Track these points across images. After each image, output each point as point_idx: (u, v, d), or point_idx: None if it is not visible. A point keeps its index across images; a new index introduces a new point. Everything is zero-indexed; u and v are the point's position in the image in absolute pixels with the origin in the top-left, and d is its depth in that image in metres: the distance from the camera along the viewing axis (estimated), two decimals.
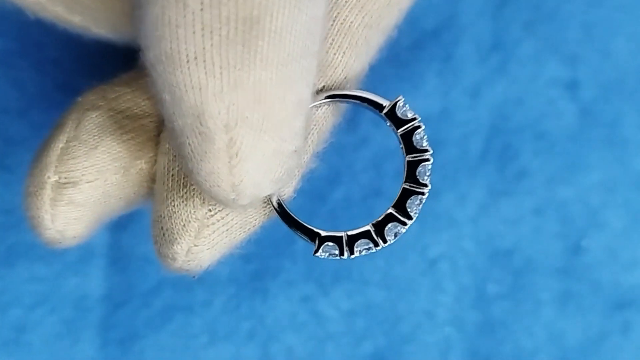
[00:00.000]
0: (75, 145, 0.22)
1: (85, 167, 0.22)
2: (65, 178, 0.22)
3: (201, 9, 0.18)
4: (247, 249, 0.24)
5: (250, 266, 0.31)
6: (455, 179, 0.31)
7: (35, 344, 0.31)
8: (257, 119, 0.19)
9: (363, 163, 0.31)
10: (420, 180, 0.24)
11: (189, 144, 0.19)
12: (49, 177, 0.22)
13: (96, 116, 0.23)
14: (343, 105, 0.25)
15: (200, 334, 0.31)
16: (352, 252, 0.23)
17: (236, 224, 0.23)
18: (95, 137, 0.23)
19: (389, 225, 0.24)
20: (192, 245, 0.22)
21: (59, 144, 0.22)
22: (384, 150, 0.31)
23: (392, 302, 0.31)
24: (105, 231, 0.31)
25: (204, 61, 0.18)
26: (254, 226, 0.24)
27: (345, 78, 0.24)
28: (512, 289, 0.31)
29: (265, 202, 0.23)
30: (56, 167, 0.22)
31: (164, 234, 0.22)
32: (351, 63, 0.23)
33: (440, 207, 0.31)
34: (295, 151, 0.21)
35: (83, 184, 0.22)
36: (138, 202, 0.24)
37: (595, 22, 0.32)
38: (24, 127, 0.31)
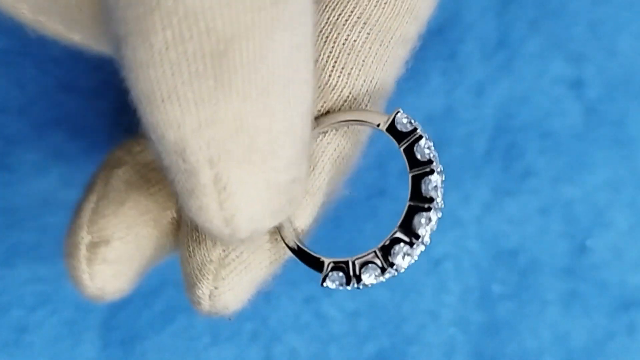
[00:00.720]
0: (104, 204, 0.23)
1: (115, 225, 0.23)
2: (98, 237, 0.23)
3: (166, 48, 0.18)
4: None
5: None
6: (459, 178, 0.31)
7: (36, 345, 0.30)
8: (242, 152, 0.19)
9: (367, 162, 0.31)
10: (425, 196, 0.21)
11: (177, 181, 0.19)
12: (82, 238, 0.23)
13: (123, 172, 0.24)
14: (359, 127, 0.24)
15: (202, 335, 0.31)
16: (358, 281, 0.22)
17: (254, 261, 0.22)
18: (123, 194, 0.23)
19: (396, 247, 0.21)
20: (213, 288, 0.22)
21: (90, 205, 0.23)
22: (388, 149, 0.31)
23: (396, 302, 0.31)
24: None
25: (178, 99, 0.18)
26: (275, 261, 0.23)
27: (354, 99, 0.23)
28: (517, 289, 0.31)
29: (277, 236, 0.23)
30: (88, 227, 0.23)
31: (185, 279, 0.23)
32: (360, 83, 0.23)
33: (445, 206, 0.31)
34: (294, 181, 0.20)
35: (115, 242, 0.23)
36: (175, 249, 0.24)
37: (601, 20, 0.32)
38: (25, 126, 0.31)
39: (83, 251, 0.23)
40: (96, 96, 0.31)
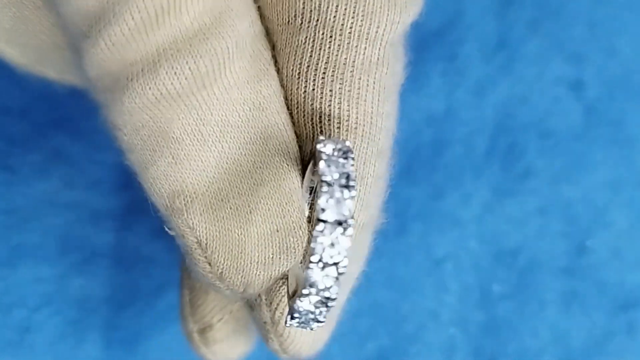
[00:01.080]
0: (195, 296, 0.26)
1: (209, 311, 0.25)
2: (202, 324, 0.26)
3: (130, 137, 0.21)
4: None
5: None
6: (460, 179, 0.31)
7: (39, 345, 0.31)
8: (211, 213, 0.21)
9: None
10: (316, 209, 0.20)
11: (181, 247, 0.22)
12: (191, 329, 0.26)
13: None
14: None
15: None
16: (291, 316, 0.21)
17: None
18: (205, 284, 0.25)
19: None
20: (278, 344, 0.24)
21: (185, 299, 0.26)
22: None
23: (397, 302, 0.31)
24: (109, 232, 0.31)
25: (152, 177, 0.21)
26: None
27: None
28: (517, 288, 0.31)
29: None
30: (192, 318, 0.26)
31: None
32: (317, 128, 0.23)
33: (445, 206, 0.31)
34: (277, 230, 0.21)
35: (216, 324, 0.25)
36: None
37: (600, 21, 0.32)
38: (26, 127, 0.31)
39: (197, 338, 0.26)
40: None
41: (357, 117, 0.22)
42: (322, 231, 0.19)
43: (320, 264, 0.20)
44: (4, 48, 0.25)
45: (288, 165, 0.22)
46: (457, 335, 0.31)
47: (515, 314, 0.31)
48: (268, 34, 0.22)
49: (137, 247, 0.31)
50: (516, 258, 0.31)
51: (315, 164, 0.20)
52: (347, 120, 0.22)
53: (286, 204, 0.22)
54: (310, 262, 0.20)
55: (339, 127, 0.22)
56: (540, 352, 0.31)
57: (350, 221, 0.19)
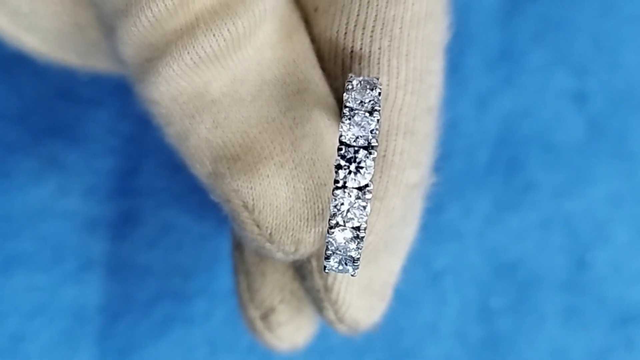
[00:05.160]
0: (252, 280, 0.24)
1: (270, 294, 0.24)
2: (264, 309, 0.24)
3: (170, 106, 0.21)
4: None
5: None
6: (460, 191, 0.31)
7: (33, 354, 0.30)
8: (259, 169, 0.21)
9: None
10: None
11: (229, 216, 0.22)
12: (253, 316, 0.25)
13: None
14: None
15: (200, 346, 0.31)
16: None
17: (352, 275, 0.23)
18: (260, 264, 0.24)
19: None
20: (333, 312, 0.23)
21: (243, 285, 0.25)
22: None
23: (395, 315, 0.31)
24: (104, 240, 0.31)
25: (193, 144, 0.21)
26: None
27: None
28: (516, 302, 0.31)
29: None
30: (252, 303, 0.24)
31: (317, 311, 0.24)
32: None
33: (445, 219, 0.31)
34: (325, 184, 0.21)
35: (278, 306, 0.24)
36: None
37: (604, 34, 0.31)
38: (23, 133, 0.30)
39: (260, 325, 0.25)
40: (94, 104, 0.31)
41: (406, 74, 0.22)
42: (344, 156, 0.20)
43: (347, 190, 0.20)
44: (25, 36, 0.25)
45: (328, 118, 0.22)
46: (456, 349, 0.31)
47: (514, 328, 0.31)
48: None
49: (132, 256, 0.31)
50: (516, 272, 0.31)
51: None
52: (396, 77, 0.22)
53: (330, 156, 0.21)
54: (335, 192, 0.20)
55: (388, 84, 0.22)
56: None
57: (374, 142, 0.20)
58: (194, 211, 0.31)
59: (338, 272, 0.21)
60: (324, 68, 0.22)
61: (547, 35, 0.31)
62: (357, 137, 0.20)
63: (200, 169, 0.21)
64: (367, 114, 0.20)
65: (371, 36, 0.21)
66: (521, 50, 0.31)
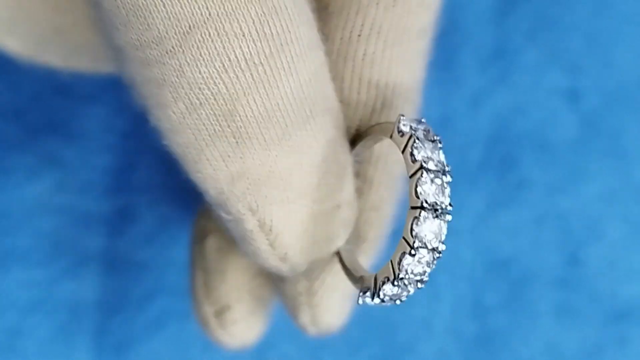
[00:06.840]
0: (210, 277, 0.24)
1: (227, 292, 0.24)
2: (219, 306, 0.24)
3: (183, 117, 0.19)
4: None
5: None
6: (454, 188, 0.31)
7: (29, 349, 0.30)
8: (278, 193, 0.20)
9: None
10: (418, 198, 0.20)
11: (231, 230, 0.21)
12: (206, 312, 0.25)
13: (212, 241, 0.25)
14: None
15: (196, 341, 0.31)
16: (377, 296, 0.20)
17: (338, 281, 0.23)
18: (220, 262, 0.24)
19: (404, 255, 0.20)
20: (310, 316, 0.23)
21: (199, 281, 0.25)
22: None
23: (389, 311, 0.31)
24: (101, 236, 0.31)
25: (207, 159, 0.19)
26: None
27: (388, 107, 0.23)
28: (510, 299, 0.31)
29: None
30: (207, 300, 0.24)
31: (289, 313, 0.24)
32: (390, 90, 0.22)
33: None
34: (339, 206, 0.21)
35: (234, 305, 0.24)
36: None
37: (597, 32, 0.32)
38: (19, 130, 0.31)
39: (213, 321, 0.25)
40: (91, 101, 0.31)
41: (409, 84, 0.22)
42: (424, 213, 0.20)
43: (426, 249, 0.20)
44: (5, 40, 0.25)
45: (342, 139, 0.21)
46: (450, 346, 0.31)
47: (508, 324, 0.31)
48: None
49: (129, 252, 0.31)
50: (510, 268, 0.31)
51: (399, 143, 0.20)
52: (401, 86, 0.22)
53: (344, 177, 0.21)
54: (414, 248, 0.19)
55: (392, 93, 0.22)
56: None
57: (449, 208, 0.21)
58: (190, 207, 0.31)
59: (391, 301, 0.21)
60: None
61: (540, 34, 0.31)
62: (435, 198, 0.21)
63: (211, 184, 0.20)
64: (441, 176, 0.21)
65: (384, 42, 0.21)
66: (515, 49, 0.31)
